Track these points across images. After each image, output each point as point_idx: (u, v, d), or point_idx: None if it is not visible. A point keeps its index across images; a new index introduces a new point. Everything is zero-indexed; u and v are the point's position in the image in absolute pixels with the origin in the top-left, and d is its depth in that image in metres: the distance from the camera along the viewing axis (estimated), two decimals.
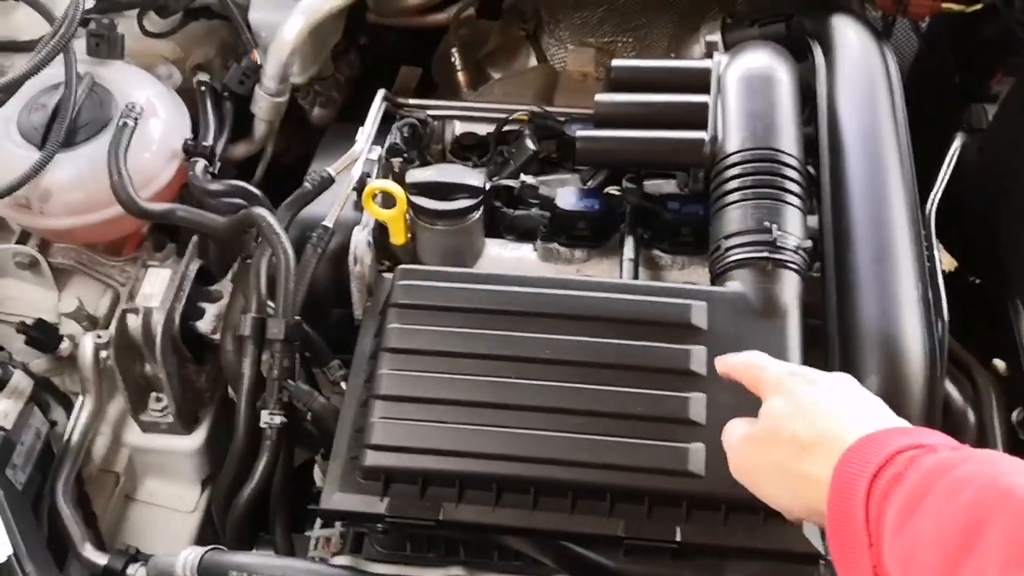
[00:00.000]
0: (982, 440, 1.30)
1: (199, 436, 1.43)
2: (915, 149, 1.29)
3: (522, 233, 1.38)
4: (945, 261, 1.46)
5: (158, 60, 1.59)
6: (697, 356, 1.07)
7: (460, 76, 1.78)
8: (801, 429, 0.81)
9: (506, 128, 1.51)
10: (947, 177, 1.38)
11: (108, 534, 1.40)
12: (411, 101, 1.57)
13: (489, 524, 1.03)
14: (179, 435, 1.42)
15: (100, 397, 1.40)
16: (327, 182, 1.34)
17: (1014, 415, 1.32)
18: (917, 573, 0.65)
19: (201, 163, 1.43)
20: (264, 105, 1.53)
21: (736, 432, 0.90)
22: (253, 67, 1.53)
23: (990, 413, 1.31)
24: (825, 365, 1.14)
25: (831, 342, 1.15)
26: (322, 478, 1.32)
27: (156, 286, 1.36)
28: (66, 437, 1.35)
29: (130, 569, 1.22)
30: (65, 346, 1.39)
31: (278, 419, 1.22)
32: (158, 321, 1.33)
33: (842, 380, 0.87)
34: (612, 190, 1.35)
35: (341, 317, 1.35)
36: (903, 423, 0.81)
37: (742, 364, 0.94)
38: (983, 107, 1.58)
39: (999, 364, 1.40)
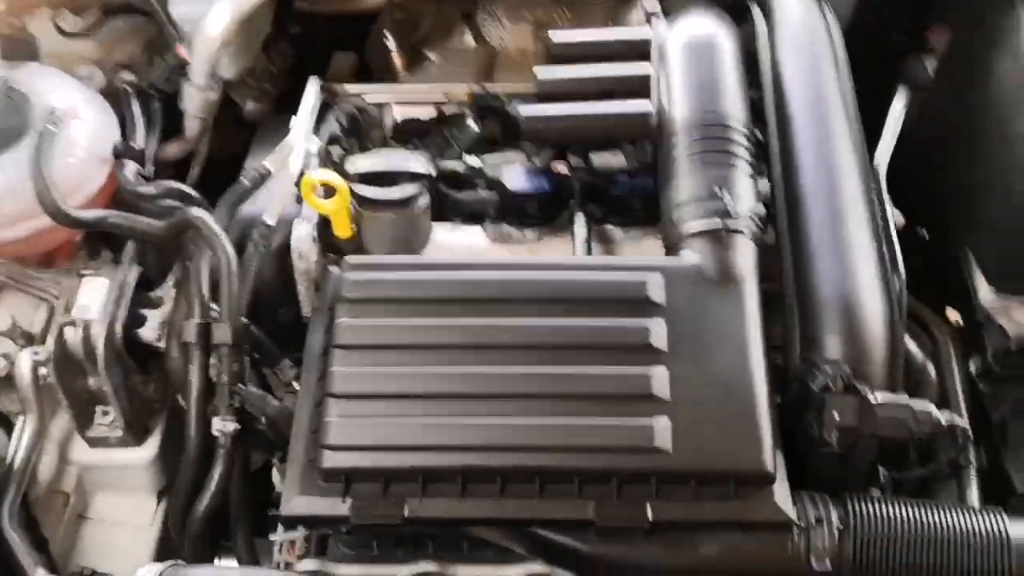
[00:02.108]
0: (943, 392, 1.30)
1: (151, 447, 1.40)
2: (859, 105, 1.28)
3: (470, 216, 1.35)
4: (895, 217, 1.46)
5: (78, 61, 1.53)
6: (656, 330, 1.05)
7: (396, 59, 1.74)
8: None
9: (447, 110, 1.48)
10: (895, 134, 1.38)
11: (62, 556, 1.36)
12: (347, 87, 1.53)
13: (456, 517, 1.01)
14: (130, 448, 1.38)
15: (42, 416, 1.34)
16: (264, 177, 1.30)
17: (972, 365, 1.33)
18: None
19: (132, 166, 1.38)
20: (194, 102, 1.48)
21: None
22: (180, 63, 1.48)
23: (949, 365, 1.31)
24: (785, 328, 1.13)
25: (789, 305, 1.14)
26: (281, 481, 1.28)
27: (94, 296, 1.32)
28: (8, 460, 1.30)
29: None
30: (0, 365, 1.33)
31: (231, 425, 1.18)
32: (98, 333, 1.29)
33: None
34: (560, 167, 1.32)
35: (290, 316, 1.31)
36: None
37: None
38: (921, 60, 1.58)
39: (953, 315, 1.41)
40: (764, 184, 1.23)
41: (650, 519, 0.98)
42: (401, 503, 1.00)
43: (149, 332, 1.33)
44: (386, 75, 1.76)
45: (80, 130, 1.36)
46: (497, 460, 1.00)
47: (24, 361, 1.31)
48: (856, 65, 1.34)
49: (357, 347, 1.06)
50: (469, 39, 1.81)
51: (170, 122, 1.52)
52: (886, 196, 1.29)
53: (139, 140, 1.44)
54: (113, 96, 1.49)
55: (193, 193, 1.34)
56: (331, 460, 1.01)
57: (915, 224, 1.54)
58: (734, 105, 1.22)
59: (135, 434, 1.37)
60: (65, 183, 1.31)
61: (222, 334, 1.18)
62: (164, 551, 1.38)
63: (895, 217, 1.33)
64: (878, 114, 1.45)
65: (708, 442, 1.00)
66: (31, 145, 1.31)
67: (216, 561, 1.33)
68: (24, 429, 1.32)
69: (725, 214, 1.11)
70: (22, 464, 1.30)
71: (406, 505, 1.00)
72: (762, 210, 1.14)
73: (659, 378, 1.02)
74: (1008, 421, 1.29)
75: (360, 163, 1.28)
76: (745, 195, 1.14)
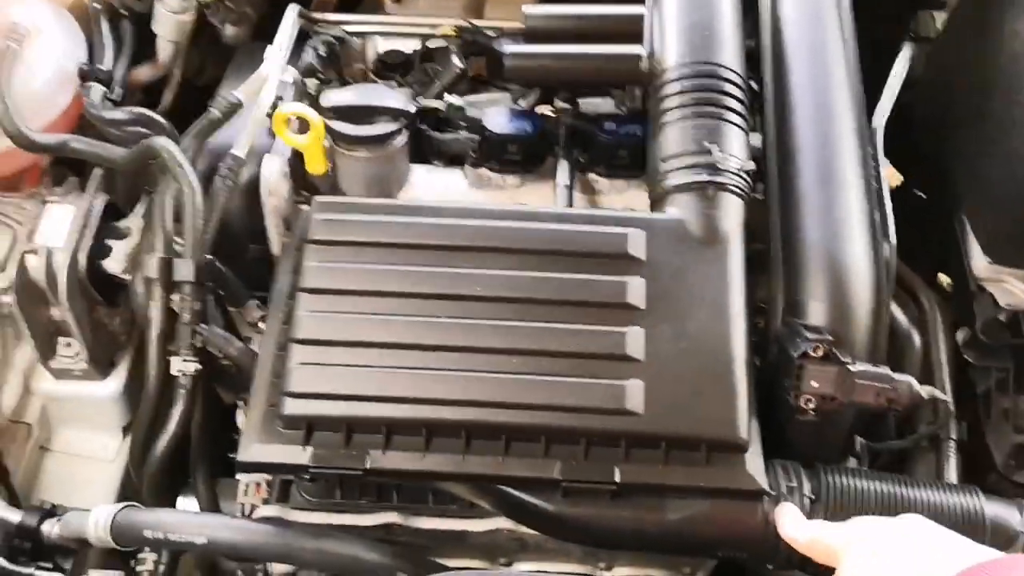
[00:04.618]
0: (927, 362, 1.27)
1: (116, 381, 1.37)
2: (861, 59, 1.23)
3: (451, 158, 1.30)
4: (892, 176, 1.42)
5: None
6: (635, 288, 1.01)
7: None
8: None
9: (432, 44, 1.42)
10: (896, 92, 1.33)
11: (24, 487, 1.34)
12: (329, 17, 1.46)
13: (419, 471, 0.98)
14: (94, 381, 1.35)
15: (4, 345, 1.31)
16: (235, 107, 1.24)
17: (959, 335, 1.30)
18: None
19: (98, 89, 1.32)
20: (166, 24, 1.42)
21: None
22: None
23: (935, 334, 1.29)
24: (769, 290, 1.10)
25: (774, 266, 1.10)
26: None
27: (58, 224, 1.28)
28: None
29: (45, 526, 1.15)
30: None
31: (191, 366, 1.14)
32: (61, 262, 1.25)
33: (911, 523, 0.82)
34: (545, 110, 1.27)
35: (259, 253, 1.27)
36: (988, 549, 0.77)
37: (806, 543, 0.90)
38: (931, 14, 1.52)
39: (944, 279, 1.37)
40: (756, 138, 1.18)
41: (617, 481, 0.96)
42: (363, 454, 0.97)
43: (114, 264, 1.29)
44: (374, 6, 1.68)
45: (44, 49, 1.30)
46: (463, 415, 0.97)
47: None
48: (863, 17, 1.28)
49: (324, 291, 1.02)
50: None
51: (143, 45, 1.45)
52: (882, 157, 1.24)
53: (107, 62, 1.38)
54: (82, 14, 1.42)
55: (161, 120, 1.29)
56: (293, 407, 0.98)
57: (913, 184, 1.50)
58: (729, 52, 1.16)
59: (99, 367, 1.34)
60: (27, 104, 1.25)
61: (184, 270, 1.13)
62: (128, 487, 1.36)
63: (891, 175, 1.28)
64: (882, 69, 1.40)
65: (681, 406, 0.97)
66: None
67: (179, 499, 1.32)
68: None
69: (713, 169, 1.06)
70: None
71: (368, 456, 0.97)
72: (752, 166, 1.09)
73: (634, 338, 0.99)
74: (992, 393, 1.26)
75: (336, 97, 1.22)
76: (735, 150, 1.09)
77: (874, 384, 1.00)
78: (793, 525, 0.94)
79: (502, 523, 1.09)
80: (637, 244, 1.04)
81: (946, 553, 0.78)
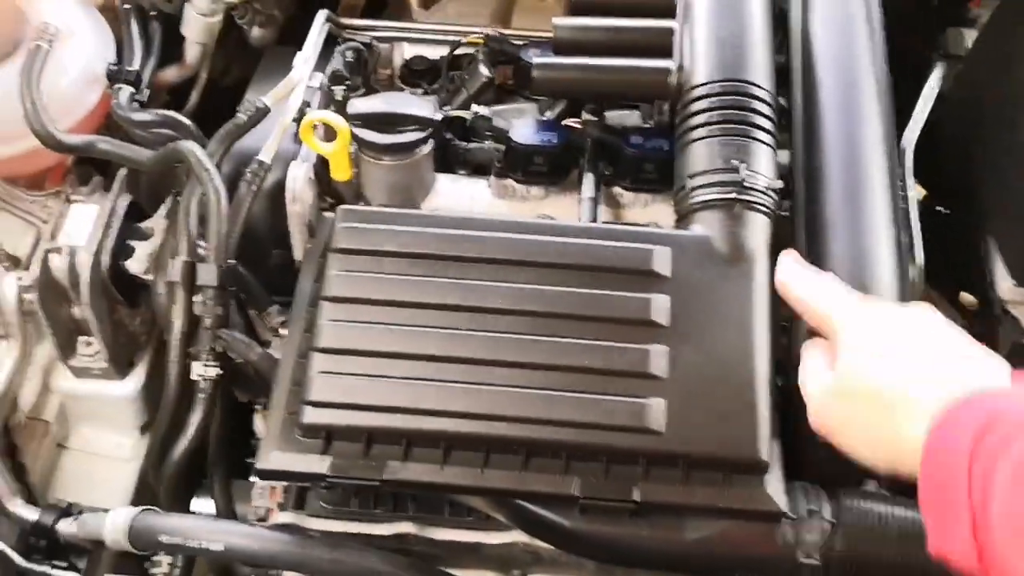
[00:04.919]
0: None
1: (135, 381, 1.38)
2: (891, 75, 1.21)
3: (475, 168, 1.29)
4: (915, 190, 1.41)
5: None
6: (659, 305, 1.00)
7: None
8: (885, 382, 0.76)
9: (459, 52, 1.41)
10: (927, 112, 1.31)
11: (40, 484, 1.35)
12: (357, 22, 1.46)
13: (437, 483, 0.98)
14: (113, 380, 1.36)
15: (25, 342, 1.32)
16: (262, 112, 1.23)
17: None
18: None
19: (126, 90, 1.32)
20: (195, 26, 1.42)
21: (815, 382, 0.87)
22: None
23: None
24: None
25: None
26: (262, 428, 1.26)
27: (81, 223, 1.28)
28: None
29: (61, 525, 1.16)
30: None
31: (212, 371, 1.14)
32: (84, 261, 1.25)
33: (919, 316, 0.82)
34: (571, 122, 1.26)
35: (282, 258, 1.27)
36: (990, 363, 0.76)
37: (804, 300, 0.91)
38: (960, 31, 1.50)
39: (967, 298, 1.36)
40: (784, 156, 1.17)
41: (636, 500, 0.95)
42: (382, 465, 0.97)
43: (136, 264, 1.30)
44: (400, 10, 1.68)
45: (74, 49, 1.31)
46: (483, 428, 0.96)
47: (8, 285, 1.28)
48: (892, 34, 1.27)
49: (347, 300, 1.02)
50: None
51: (169, 45, 1.46)
52: (910, 178, 1.22)
53: (135, 63, 1.38)
54: (111, 15, 1.43)
55: (188, 123, 1.29)
56: (312, 416, 0.98)
57: (936, 201, 1.48)
58: (759, 69, 1.14)
59: (118, 367, 1.35)
60: (56, 104, 1.26)
61: (207, 275, 1.13)
62: (145, 486, 1.36)
63: (915, 190, 1.27)
64: (912, 86, 1.38)
65: (703, 426, 0.96)
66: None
67: (194, 500, 1.32)
68: (6, 354, 1.30)
69: (740, 187, 1.05)
70: (3, 389, 1.28)
71: (387, 467, 0.97)
72: (780, 185, 1.08)
73: (658, 355, 0.98)
74: None
75: (362, 104, 1.21)
76: (763, 168, 1.08)
77: None
78: (790, 271, 0.95)
79: (518, 536, 1.09)
80: (662, 261, 1.03)
81: (949, 349, 0.78)
